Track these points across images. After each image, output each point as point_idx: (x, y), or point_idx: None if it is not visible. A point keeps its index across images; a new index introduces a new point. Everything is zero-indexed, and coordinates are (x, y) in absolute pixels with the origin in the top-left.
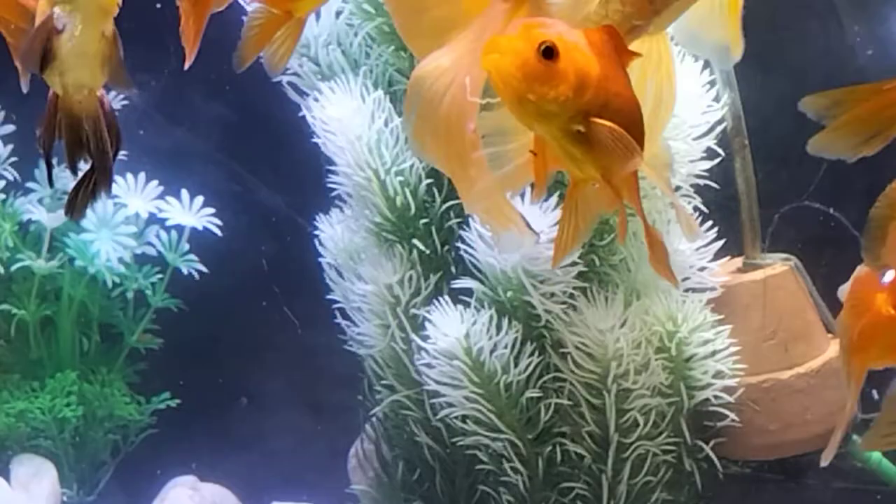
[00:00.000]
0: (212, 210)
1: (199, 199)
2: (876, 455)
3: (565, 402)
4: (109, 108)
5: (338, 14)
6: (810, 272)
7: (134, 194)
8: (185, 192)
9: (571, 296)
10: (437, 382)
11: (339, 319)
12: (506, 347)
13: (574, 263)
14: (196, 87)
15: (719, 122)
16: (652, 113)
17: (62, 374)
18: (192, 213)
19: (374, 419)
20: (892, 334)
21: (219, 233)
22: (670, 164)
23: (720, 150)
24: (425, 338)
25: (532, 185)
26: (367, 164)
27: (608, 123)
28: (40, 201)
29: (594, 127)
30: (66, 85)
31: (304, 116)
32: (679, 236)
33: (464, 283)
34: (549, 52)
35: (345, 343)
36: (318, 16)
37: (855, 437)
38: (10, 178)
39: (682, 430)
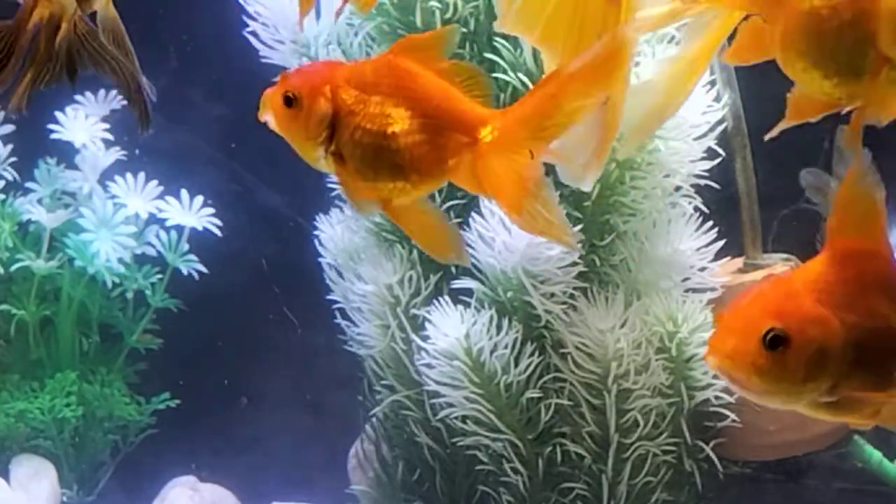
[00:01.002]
0: (212, 210)
1: (199, 199)
2: (876, 455)
3: (565, 402)
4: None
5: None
6: None
7: (134, 194)
8: (185, 192)
9: (572, 296)
10: (437, 383)
11: (339, 319)
12: (506, 348)
13: (574, 263)
14: (196, 87)
15: (719, 122)
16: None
17: (62, 374)
18: (192, 213)
19: (374, 419)
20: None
21: (219, 233)
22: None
23: (720, 150)
24: (425, 338)
25: None
26: None
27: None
28: (40, 201)
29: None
30: None
31: None
32: (679, 236)
33: (464, 283)
34: (288, 101)
35: (345, 343)
36: (318, 15)
37: (856, 437)
38: (10, 178)
39: (682, 431)
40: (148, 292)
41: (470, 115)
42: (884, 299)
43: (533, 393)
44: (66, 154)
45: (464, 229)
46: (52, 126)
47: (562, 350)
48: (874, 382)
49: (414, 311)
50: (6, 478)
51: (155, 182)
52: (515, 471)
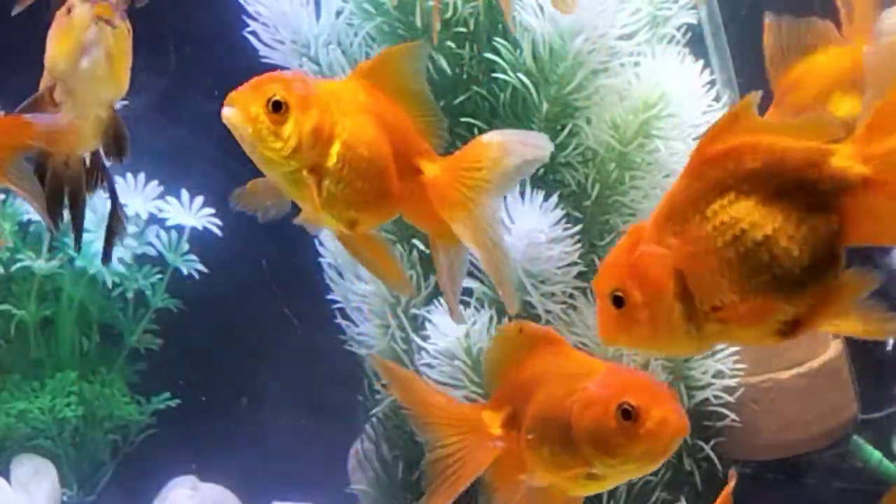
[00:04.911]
0: (212, 210)
1: (199, 199)
2: (876, 455)
3: None
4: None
5: (338, 14)
6: None
7: (134, 194)
8: (185, 192)
9: (571, 296)
10: (438, 382)
11: (339, 319)
12: None
13: (574, 263)
14: (196, 87)
15: None
16: None
17: (62, 374)
18: (192, 213)
19: (374, 419)
20: None
21: (219, 233)
22: None
23: None
24: (425, 338)
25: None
26: None
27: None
28: None
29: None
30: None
31: None
32: None
33: (464, 283)
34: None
35: (345, 343)
36: (318, 16)
37: (855, 437)
38: None
39: None
40: (148, 292)
41: None
42: None
43: None
44: None
45: None
46: None
47: None
48: None
49: (414, 311)
50: (7, 477)
51: (155, 182)
52: None
